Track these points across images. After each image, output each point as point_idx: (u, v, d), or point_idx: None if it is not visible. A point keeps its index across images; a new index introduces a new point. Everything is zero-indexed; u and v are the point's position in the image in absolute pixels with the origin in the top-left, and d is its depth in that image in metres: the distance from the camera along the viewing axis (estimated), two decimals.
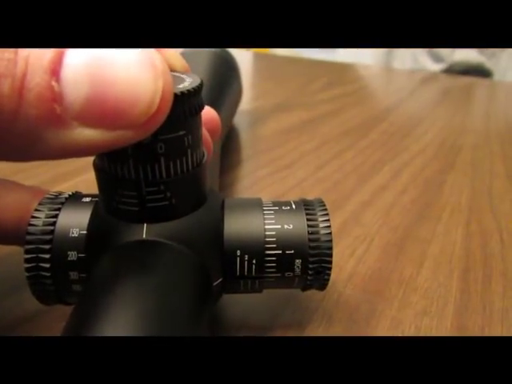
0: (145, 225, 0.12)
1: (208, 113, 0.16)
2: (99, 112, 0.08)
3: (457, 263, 0.21)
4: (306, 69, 0.72)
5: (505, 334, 0.17)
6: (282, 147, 0.34)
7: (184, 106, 0.11)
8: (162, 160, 0.11)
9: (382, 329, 0.16)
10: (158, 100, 0.08)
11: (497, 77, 0.82)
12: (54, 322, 0.15)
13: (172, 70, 0.13)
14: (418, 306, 0.18)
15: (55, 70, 0.08)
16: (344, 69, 0.76)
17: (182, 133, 0.11)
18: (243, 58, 0.65)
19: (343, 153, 0.34)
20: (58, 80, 0.08)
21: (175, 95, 0.10)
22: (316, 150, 0.35)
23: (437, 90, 0.64)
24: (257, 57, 0.80)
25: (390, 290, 0.19)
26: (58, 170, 0.26)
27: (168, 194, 0.12)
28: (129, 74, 0.08)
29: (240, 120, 0.39)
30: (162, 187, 0.12)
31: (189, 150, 0.12)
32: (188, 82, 0.12)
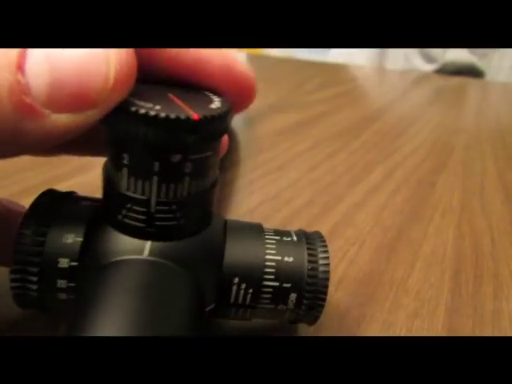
0: (148, 242, 0.11)
1: None
2: (64, 96, 0.09)
3: (448, 264, 0.21)
4: (299, 69, 0.72)
5: (496, 335, 0.17)
6: (274, 148, 0.34)
7: (215, 128, 0.11)
8: (186, 180, 0.11)
9: (373, 332, 0.16)
10: (112, 76, 0.09)
11: (488, 77, 0.83)
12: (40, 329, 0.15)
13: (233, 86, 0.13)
14: (410, 308, 0.18)
15: (20, 65, 0.09)
16: (337, 69, 0.76)
17: (208, 154, 0.11)
18: None
19: (336, 154, 0.34)
20: (23, 74, 0.09)
21: (209, 118, 0.10)
22: (309, 151, 0.34)
23: (429, 90, 0.64)
24: (250, 58, 0.80)
25: (381, 292, 0.19)
26: (54, 172, 0.26)
27: (178, 214, 0.11)
28: (81, 58, 0.09)
29: (233, 121, 0.39)
30: (173, 207, 0.11)
31: (208, 172, 0.12)
32: (218, 103, 0.11)
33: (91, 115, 0.10)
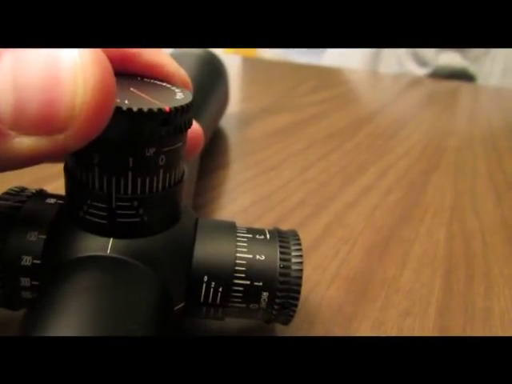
0: (111, 239, 0.11)
1: (193, 128, 0.15)
2: (28, 118, 0.08)
3: (439, 264, 0.21)
4: (293, 72, 0.73)
5: (487, 333, 0.17)
6: (268, 149, 0.34)
7: (183, 119, 0.11)
8: (138, 175, 0.11)
9: (365, 330, 0.16)
10: (80, 100, 0.08)
11: (480, 81, 0.84)
12: None
13: (169, 82, 0.12)
14: (401, 307, 0.18)
15: None
16: (330, 73, 0.76)
17: (179, 145, 0.11)
18: (231, 61, 0.65)
19: (329, 155, 0.34)
20: None
21: (180, 109, 0.10)
22: (302, 151, 0.35)
23: (422, 94, 0.65)
24: (244, 60, 0.80)
25: (372, 290, 0.19)
26: (42, 172, 0.26)
27: (140, 211, 0.11)
28: (45, 75, 0.08)
29: (227, 122, 0.39)
30: (135, 203, 0.11)
31: (163, 169, 0.11)
32: (181, 94, 0.11)
33: (61, 140, 0.09)
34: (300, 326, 0.16)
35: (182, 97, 0.11)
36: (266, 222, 0.23)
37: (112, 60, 0.12)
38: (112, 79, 0.09)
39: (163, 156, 0.11)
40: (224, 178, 0.29)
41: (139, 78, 0.12)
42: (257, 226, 0.23)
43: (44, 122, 0.08)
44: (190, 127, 0.11)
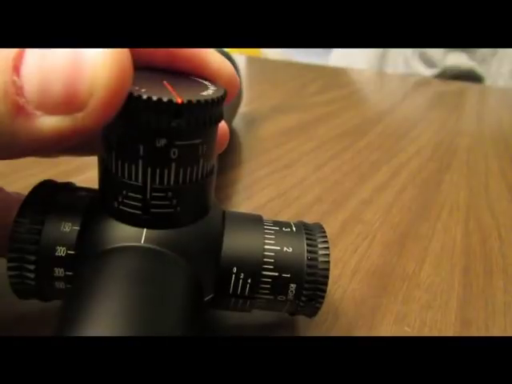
0: (144, 230, 0.11)
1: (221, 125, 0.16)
2: (52, 98, 0.09)
3: (458, 259, 0.21)
4: (300, 72, 0.73)
5: (508, 326, 0.17)
6: (280, 148, 0.35)
7: (204, 114, 0.11)
8: (174, 166, 0.11)
9: (388, 322, 0.17)
10: (99, 82, 0.09)
11: (488, 82, 0.84)
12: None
13: (213, 80, 0.13)
14: (422, 300, 0.18)
15: (17, 67, 0.09)
16: (337, 73, 0.77)
17: (197, 141, 0.11)
18: (237, 61, 0.65)
19: (341, 153, 0.35)
20: (18, 75, 0.09)
21: (194, 102, 0.10)
22: (314, 150, 0.35)
23: (430, 94, 0.65)
24: (250, 60, 0.80)
25: (393, 284, 0.19)
26: (58, 168, 0.26)
27: (174, 202, 0.11)
28: (69, 60, 0.09)
29: (238, 122, 0.39)
30: (169, 194, 0.11)
31: (202, 159, 0.11)
32: (211, 91, 0.11)
33: (80, 118, 0.09)
34: (325, 319, 0.16)
35: (214, 90, 0.11)
36: (284, 219, 0.23)
37: (159, 58, 0.12)
38: (129, 65, 0.09)
39: (202, 147, 0.11)
40: (239, 176, 0.29)
41: (178, 74, 0.12)
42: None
43: (66, 100, 0.09)
44: (215, 122, 0.12)
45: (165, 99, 0.10)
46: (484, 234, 0.24)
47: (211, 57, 0.13)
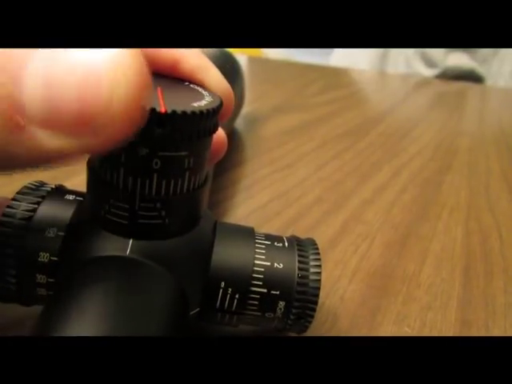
0: (131, 240, 0.11)
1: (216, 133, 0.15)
2: (61, 116, 0.08)
3: (458, 260, 0.21)
4: (301, 72, 0.73)
5: (508, 327, 0.17)
6: (282, 148, 0.35)
7: (191, 126, 0.10)
8: (156, 176, 0.11)
9: (388, 323, 0.17)
10: (116, 102, 0.08)
11: (489, 82, 0.84)
12: None
13: (200, 85, 0.12)
14: (423, 301, 0.18)
15: (19, 79, 0.08)
16: (339, 73, 0.77)
17: (183, 153, 0.11)
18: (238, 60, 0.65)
19: (342, 153, 0.35)
20: (20, 88, 0.08)
21: (179, 113, 0.10)
22: (316, 150, 0.35)
23: (431, 95, 0.65)
24: (251, 60, 0.80)
25: (393, 285, 0.19)
26: (63, 168, 0.26)
27: (163, 213, 0.11)
28: (82, 72, 0.08)
29: (240, 121, 0.39)
30: (157, 204, 0.11)
31: (188, 172, 0.11)
32: (205, 102, 0.11)
33: (91, 143, 0.08)
34: (325, 319, 0.16)
35: (210, 100, 0.11)
36: (284, 219, 0.23)
37: (163, 63, 0.12)
38: (149, 77, 0.08)
39: (188, 160, 0.11)
40: (240, 176, 0.29)
41: (176, 81, 0.12)
42: (276, 222, 0.23)
43: (76, 122, 0.08)
44: (215, 131, 0.11)
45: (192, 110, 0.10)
46: (484, 234, 0.24)
47: (205, 66, 0.13)
